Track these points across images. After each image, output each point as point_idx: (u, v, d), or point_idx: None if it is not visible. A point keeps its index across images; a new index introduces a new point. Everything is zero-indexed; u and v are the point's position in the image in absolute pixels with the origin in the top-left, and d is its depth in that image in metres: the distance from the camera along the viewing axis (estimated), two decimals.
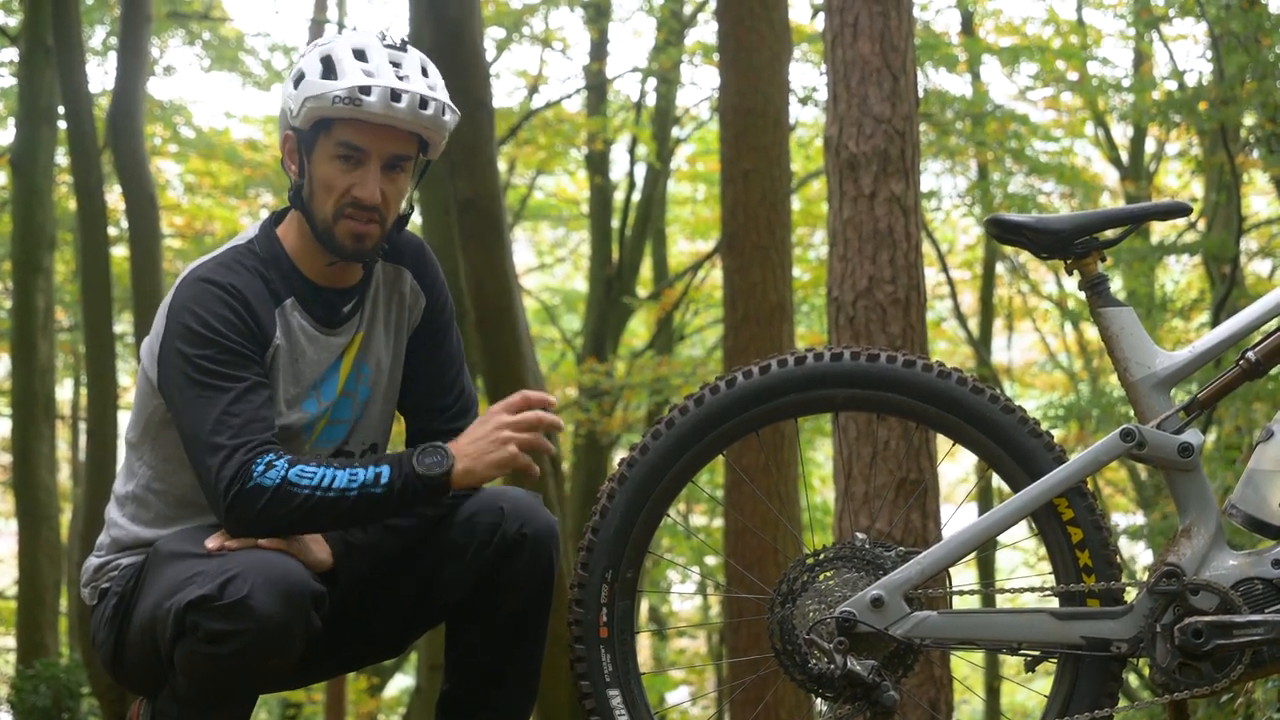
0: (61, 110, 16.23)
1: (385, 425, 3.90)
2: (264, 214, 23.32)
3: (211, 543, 3.51)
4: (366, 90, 3.54)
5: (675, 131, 22.52)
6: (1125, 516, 22.38)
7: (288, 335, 3.67)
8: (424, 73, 3.66)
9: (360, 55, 3.61)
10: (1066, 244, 3.68)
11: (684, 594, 27.59)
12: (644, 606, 26.30)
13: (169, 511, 3.71)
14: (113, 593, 3.67)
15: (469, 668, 3.85)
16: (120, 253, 19.55)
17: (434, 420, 3.90)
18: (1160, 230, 19.59)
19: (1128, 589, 3.62)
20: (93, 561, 3.76)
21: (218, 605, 3.33)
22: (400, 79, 3.60)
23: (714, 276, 22.00)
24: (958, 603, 3.86)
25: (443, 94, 3.65)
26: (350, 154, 3.62)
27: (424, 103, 3.58)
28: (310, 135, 3.63)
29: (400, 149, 3.65)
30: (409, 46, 3.70)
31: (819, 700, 3.68)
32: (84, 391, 21.15)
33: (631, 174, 22.50)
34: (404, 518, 3.69)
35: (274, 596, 3.34)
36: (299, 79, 3.62)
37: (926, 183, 20.47)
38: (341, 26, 21.39)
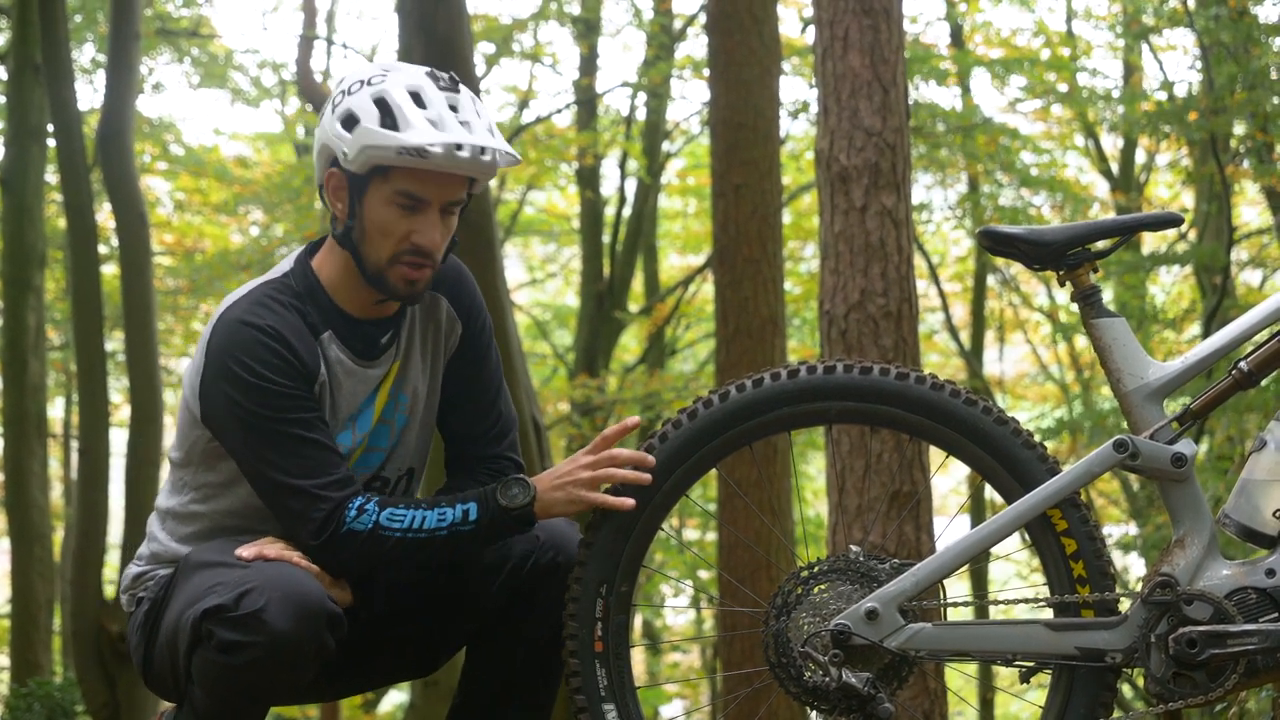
0: (51, 128, 16.22)
1: (423, 450, 3.91)
2: (253, 230, 23.24)
3: (247, 551, 3.55)
4: (435, 146, 3.50)
5: (666, 146, 22.52)
6: (1117, 528, 22.39)
7: (328, 369, 3.68)
8: (477, 112, 3.64)
9: (418, 99, 3.58)
10: (1059, 255, 3.69)
11: (677, 608, 27.56)
12: (637, 621, 26.29)
13: (207, 533, 3.73)
14: (146, 600, 3.72)
15: (487, 685, 3.87)
16: (111, 270, 19.53)
17: (473, 445, 3.92)
18: (1151, 241, 19.61)
19: (1122, 599, 3.62)
20: (132, 570, 3.81)
21: (232, 615, 3.36)
22: (462, 124, 3.58)
23: (705, 291, 22.00)
24: (952, 615, 3.86)
25: (499, 138, 3.63)
26: (411, 203, 3.61)
27: (483, 150, 3.57)
28: (363, 179, 3.60)
29: (457, 194, 3.65)
30: (459, 83, 3.68)
31: (814, 713, 3.68)
32: (76, 409, 21.16)
33: (622, 189, 22.51)
34: None
35: (288, 613, 3.37)
36: (351, 121, 3.56)
37: (917, 195, 20.48)
38: (331, 43, 21.41)
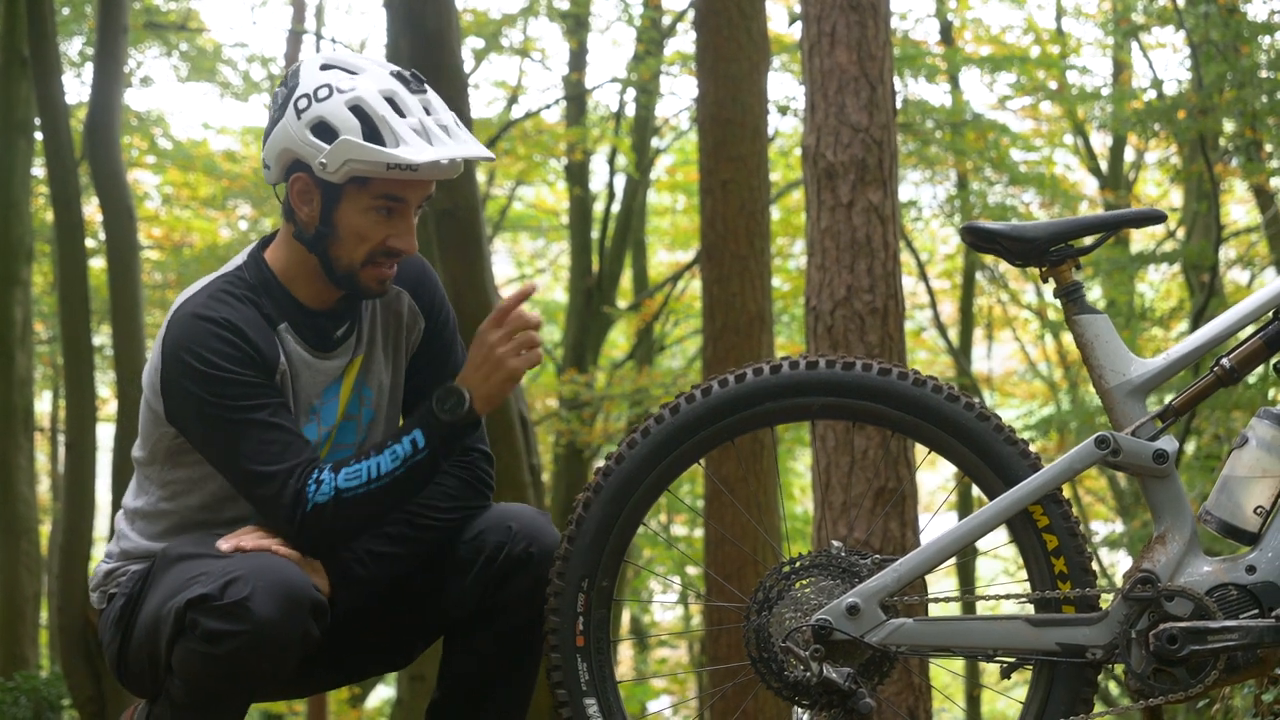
0: (38, 122, 16.17)
1: None
2: (242, 225, 23.20)
3: (225, 544, 3.56)
4: (425, 161, 3.52)
5: (654, 142, 22.52)
6: (1105, 524, 22.43)
7: (288, 360, 3.69)
8: (443, 110, 3.64)
9: (395, 107, 3.57)
10: (1041, 251, 3.69)
11: (665, 604, 27.59)
12: (625, 616, 26.32)
13: (177, 530, 3.73)
14: (120, 595, 3.70)
15: (463, 678, 3.86)
16: (98, 264, 19.50)
17: None
18: (1140, 239, 19.64)
19: (1103, 595, 3.62)
20: (103, 567, 3.80)
21: (217, 605, 3.36)
22: (441, 127, 3.58)
23: (694, 287, 22.01)
24: (934, 610, 3.86)
25: (471, 136, 3.65)
26: (391, 206, 3.62)
27: (466, 159, 3.60)
28: (338, 187, 3.59)
29: (430, 192, 3.69)
30: (424, 82, 3.68)
31: (796, 708, 3.68)
32: (63, 404, 21.13)
33: (611, 184, 22.50)
34: (409, 530, 3.73)
35: (274, 602, 3.37)
36: (325, 131, 3.54)
37: (906, 192, 20.50)
38: (319, 37, 21.38)
